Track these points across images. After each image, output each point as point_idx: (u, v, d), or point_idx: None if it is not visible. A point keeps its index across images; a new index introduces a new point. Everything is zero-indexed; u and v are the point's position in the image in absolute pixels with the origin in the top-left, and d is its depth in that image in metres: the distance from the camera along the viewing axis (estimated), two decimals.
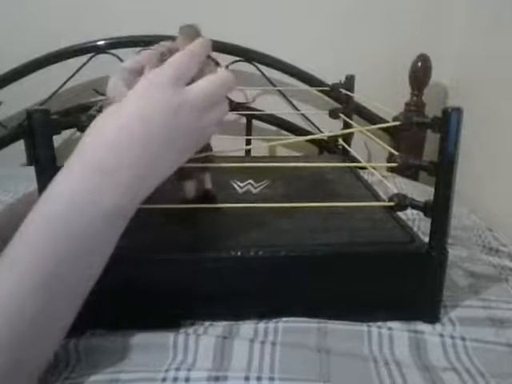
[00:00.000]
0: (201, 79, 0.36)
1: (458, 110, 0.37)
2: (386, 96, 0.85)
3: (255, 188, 0.54)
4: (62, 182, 0.33)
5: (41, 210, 0.32)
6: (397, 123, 0.41)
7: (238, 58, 0.92)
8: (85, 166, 0.33)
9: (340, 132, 0.65)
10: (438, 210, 0.40)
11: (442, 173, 0.39)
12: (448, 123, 0.37)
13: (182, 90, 0.35)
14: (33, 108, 0.36)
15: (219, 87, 0.37)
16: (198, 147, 0.38)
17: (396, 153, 0.42)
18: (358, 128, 0.54)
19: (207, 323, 0.41)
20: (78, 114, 0.40)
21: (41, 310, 0.30)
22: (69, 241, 0.31)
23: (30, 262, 0.30)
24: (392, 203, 0.42)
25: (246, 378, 0.34)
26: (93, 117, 0.36)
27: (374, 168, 0.55)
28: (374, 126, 0.46)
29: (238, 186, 0.55)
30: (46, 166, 0.37)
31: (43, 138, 0.36)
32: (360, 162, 0.57)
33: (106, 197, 0.32)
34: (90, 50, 0.90)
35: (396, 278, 0.42)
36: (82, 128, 0.37)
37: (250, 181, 0.56)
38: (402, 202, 0.42)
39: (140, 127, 0.34)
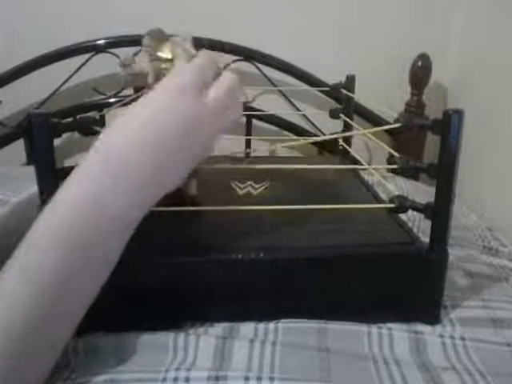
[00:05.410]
0: (213, 87, 0.36)
1: (459, 113, 0.37)
2: (386, 96, 0.85)
3: (255, 189, 0.54)
4: (69, 189, 0.33)
5: (46, 218, 0.32)
6: (397, 125, 0.41)
7: (238, 58, 0.92)
8: (92, 173, 0.33)
9: (341, 135, 0.65)
10: (439, 213, 0.40)
11: (443, 175, 0.39)
12: (449, 126, 0.37)
13: (203, 103, 0.35)
14: (33, 111, 0.36)
15: (231, 93, 0.37)
16: (207, 153, 0.38)
17: (396, 154, 0.42)
18: (361, 131, 0.54)
19: (207, 324, 0.41)
20: (79, 117, 0.40)
21: (44, 317, 0.30)
22: (74, 249, 0.31)
23: (34, 271, 0.30)
24: (392, 205, 0.42)
25: (246, 378, 0.34)
26: (94, 119, 0.36)
27: (374, 169, 0.55)
28: (375, 129, 0.46)
29: (238, 187, 0.54)
30: (47, 168, 0.37)
31: (43, 141, 0.36)
32: (360, 162, 0.57)
33: (112, 204, 0.32)
34: (89, 49, 0.89)
35: (396, 280, 0.42)
36: (83, 131, 0.37)
37: (250, 182, 0.56)
38: (403, 204, 0.42)
39: (155, 137, 0.33)
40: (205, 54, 0.38)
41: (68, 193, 0.32)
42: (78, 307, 0.33)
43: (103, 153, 0.33)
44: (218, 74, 0.38)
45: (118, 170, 0.33)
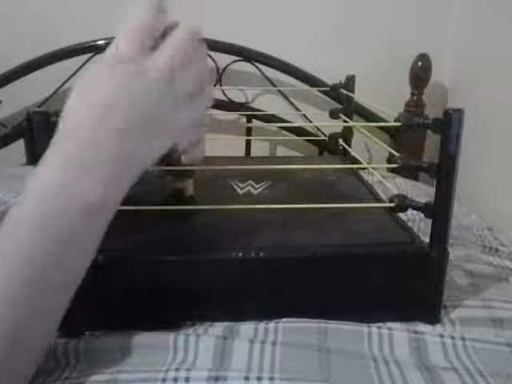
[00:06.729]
0: (162, 45, 0.34)
1: (459, 112, 0.37)
2: (386, 96, 0.85)
3: (256, 189, 0.54)
4: (37, 179, 0.31)
5: (17, 209, 0.31)
6: (398, 124, 0.41)
7: (238, 58, 0.92)
8: (58, 159, 0.32)
9: (340, 124, 0.65)
10: (439, 211, 0.40)
11: (443, 174, 0.39)
12: (449, 125, 0.37)
13: (146, 63, 0.33)
14: (33, 110, 0.36)
15: (184, 46, 0.34)
16: (187, 122, 0.35)
17: (396, 154, 0.42)
18: (359, 124, 0.54)
19: (207, 323, 0.41)
20: None
21: (23, 314, 0.29)
22: (47, 239, 0.30)
23: (6, 266, 0.29)
24: (392, 204, 0.42)
25: (246, 378, 0.34)
26: None
27: (374, 169, 0.55)
28: (375, 124, 0.46)
29: (239, 186, 0.54)
30: None
31: (43, 140, 0.36)
32: (360, 162, 0.57)
33: (84, 190, 0.31)
34: (90, 49, 0.90)
35: (396, 279, 0.42)
36: None
37: (251, 182, 0.56)
38: (403, 203, 0.42)
39: (104, 112, 0.32)
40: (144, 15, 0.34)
41: (36, 182, 0.31)
42: (54, 299, 0.31)
43: (66, 136, 0.32)
44: (169, 28, 0.35)
45: (83, 154, 0.31)
